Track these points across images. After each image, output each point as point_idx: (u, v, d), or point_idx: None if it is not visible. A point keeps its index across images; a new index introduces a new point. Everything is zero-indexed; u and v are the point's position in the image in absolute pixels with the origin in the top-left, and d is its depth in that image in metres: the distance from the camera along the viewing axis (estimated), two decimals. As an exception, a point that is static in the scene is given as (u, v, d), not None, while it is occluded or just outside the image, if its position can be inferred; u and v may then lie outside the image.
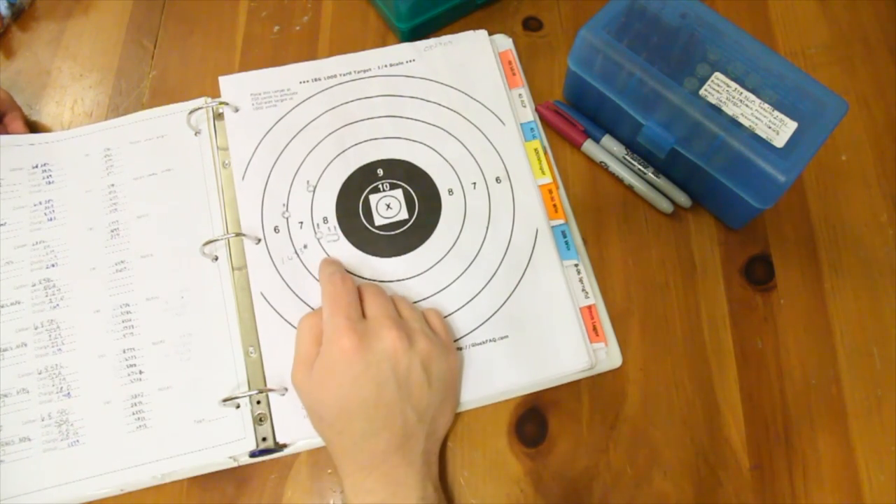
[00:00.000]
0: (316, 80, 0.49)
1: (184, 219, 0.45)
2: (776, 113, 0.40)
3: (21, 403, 0.40)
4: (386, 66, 0.50)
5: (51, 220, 0.45)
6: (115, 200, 0.46)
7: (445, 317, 0.42)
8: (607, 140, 0.47)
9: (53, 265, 0.44)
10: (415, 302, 0.43)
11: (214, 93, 0.49)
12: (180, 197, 0.46)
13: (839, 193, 0.47)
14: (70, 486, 0.39)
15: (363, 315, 0.38)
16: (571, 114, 0.48)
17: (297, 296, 0.43)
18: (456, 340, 0.42)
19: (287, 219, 0.45)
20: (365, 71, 0.50)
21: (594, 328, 0.42)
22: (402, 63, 0.50)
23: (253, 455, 0.40)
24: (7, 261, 0.44)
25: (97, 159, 0.47)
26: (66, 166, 0.47)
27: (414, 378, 0.36)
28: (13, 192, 0.46)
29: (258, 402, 0.40)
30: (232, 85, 0.49)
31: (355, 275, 0.43)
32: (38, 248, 0.44)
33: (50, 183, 0.46)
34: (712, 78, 0.41)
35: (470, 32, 0.51)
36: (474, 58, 0.50)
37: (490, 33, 0.51)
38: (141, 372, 0.41)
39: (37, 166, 0.47)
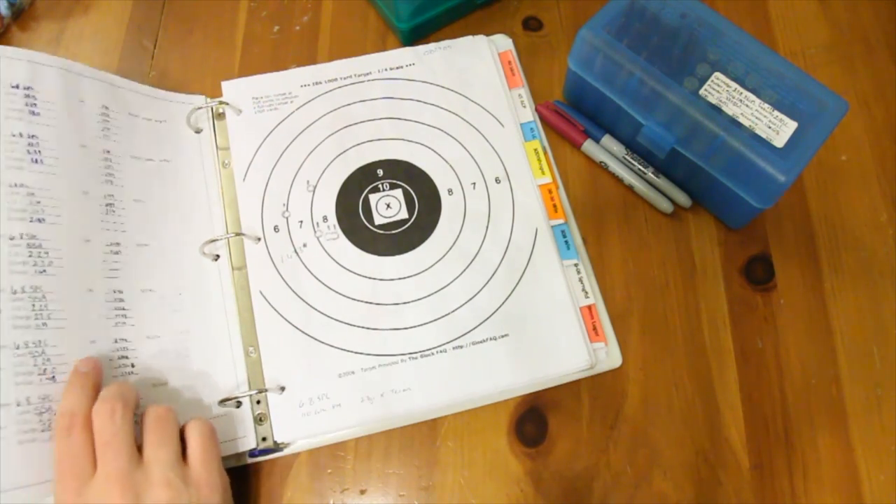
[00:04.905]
0: (317, 83, 0.49)
1: (182, 214, 0.44)
2: (776, 113, 0.40)
3: None
4: (386, 69, 0.50)
5: (36, 161, 0.38)
6: (110, 171, 0.42)
7: (445, 316, 0.42)
8: (607, 140, 0.47)
9: (40, 220, 0.37)
10: (415, 301, 0.43)
11: (214, 93, 0.49)
12: (178, 191, 0.45)
13: (839, 193, 0.47)
14: (50, 485, 0.34)
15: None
16: (571, 114, 0.48)
17: (296, 295, 0.43)
18: (456, 339, 0.42)
19: (287, 218, 0.45)
20: (365, 74, 0.50)
21: (594, 328, 0.42)
22: (401, 67, 0.50)
23: (253, 455, 0.40)
24: None
25: (92, 113, 0.42)
26: (57, 101, 0.40)
27: None
28: None
29: (258, 402, 0.40)
30: (234, 89, 0.49)
31: (355, 275, 0.44)
32: (18, 192, 0.37)
33: (35, 114, 0.39)
34: (712, 78, 0.41)
35: (469, 38, 0.51)
36: (474, 62, 0.50)
37: (490, 33, 0.52)
38: (133, 366, 0.39)
39: (17, 86, 0.39)
